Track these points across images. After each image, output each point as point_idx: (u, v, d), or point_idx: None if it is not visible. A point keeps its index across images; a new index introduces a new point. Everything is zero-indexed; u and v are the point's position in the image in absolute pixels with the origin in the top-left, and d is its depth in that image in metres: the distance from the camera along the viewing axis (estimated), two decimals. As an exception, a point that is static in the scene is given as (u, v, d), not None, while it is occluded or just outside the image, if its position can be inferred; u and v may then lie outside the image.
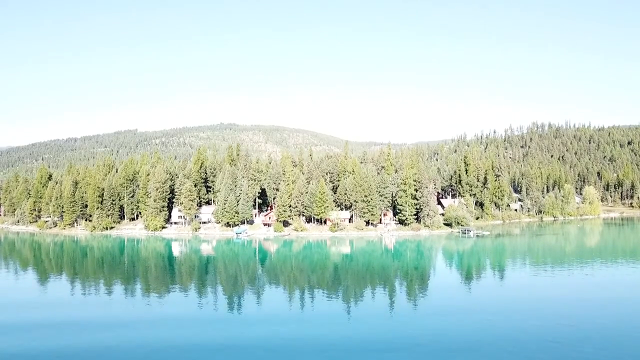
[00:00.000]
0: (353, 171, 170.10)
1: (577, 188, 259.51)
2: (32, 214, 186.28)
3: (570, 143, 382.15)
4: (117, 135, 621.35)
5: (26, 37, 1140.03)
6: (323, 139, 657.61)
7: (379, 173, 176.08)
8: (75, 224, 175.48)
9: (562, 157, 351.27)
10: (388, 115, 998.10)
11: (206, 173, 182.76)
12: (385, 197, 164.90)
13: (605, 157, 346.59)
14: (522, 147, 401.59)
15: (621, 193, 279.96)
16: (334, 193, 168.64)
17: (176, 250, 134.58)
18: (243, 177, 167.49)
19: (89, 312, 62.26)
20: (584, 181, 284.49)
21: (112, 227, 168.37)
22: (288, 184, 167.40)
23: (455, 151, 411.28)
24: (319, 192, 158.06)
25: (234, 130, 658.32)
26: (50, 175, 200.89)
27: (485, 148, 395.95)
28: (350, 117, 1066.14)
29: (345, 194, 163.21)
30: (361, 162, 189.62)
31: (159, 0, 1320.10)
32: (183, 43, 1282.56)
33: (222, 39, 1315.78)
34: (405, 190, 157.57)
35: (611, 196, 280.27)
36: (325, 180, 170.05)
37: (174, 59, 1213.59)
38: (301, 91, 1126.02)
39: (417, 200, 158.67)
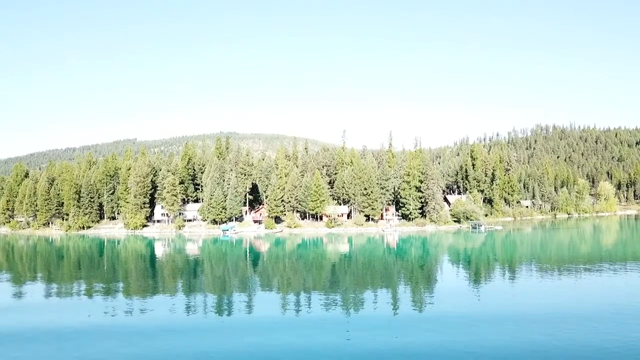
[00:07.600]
0: (351, 162, 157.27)
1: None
2: (4, 214, 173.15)
3: (577, 144, 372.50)
4: (116, 144, 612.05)
5: (25, 46, 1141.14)
6: (323, 147, 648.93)
7: (379, 165, 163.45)
8: (50, 223, 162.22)
9: (569, 157, 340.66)
10: (388, 121, 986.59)
11: (194, 169, 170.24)
12: (387, 190, 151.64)
13: (613, 157, 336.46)
14: (527, 149, 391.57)
15: (634, 192, 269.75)
16: (331, 187, 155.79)
17: (159, 250, 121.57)
18: (232, 170, 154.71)
19: (65, 324, 51.23)
20: (593, 181, 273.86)
21: (89, 227, 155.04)
22: (280, 177, 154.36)
23: (458, 154, 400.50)
24: (314, 185, 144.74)
25: (234, 138, 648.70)
26: (27, 173, 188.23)
27: (489, 150, 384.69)
28: (350, 124, 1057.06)
29: (343, 187, 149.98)
30: (361, 158, 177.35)
31: (157, 9, 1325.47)
32: (182, 52, 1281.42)
33: (221, 48, 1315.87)
34: (409, 182, 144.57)
35: (624, 195, 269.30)
36: (322, 173, 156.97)
37: (173, 67, 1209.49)
38: (301, 99, 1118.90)
39: (422, 193, 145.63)
